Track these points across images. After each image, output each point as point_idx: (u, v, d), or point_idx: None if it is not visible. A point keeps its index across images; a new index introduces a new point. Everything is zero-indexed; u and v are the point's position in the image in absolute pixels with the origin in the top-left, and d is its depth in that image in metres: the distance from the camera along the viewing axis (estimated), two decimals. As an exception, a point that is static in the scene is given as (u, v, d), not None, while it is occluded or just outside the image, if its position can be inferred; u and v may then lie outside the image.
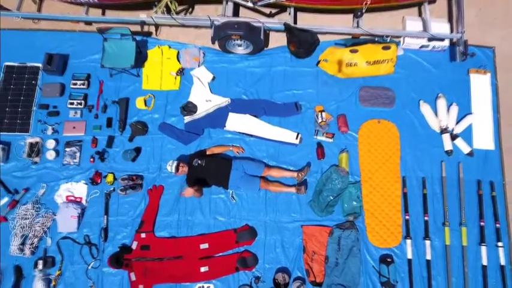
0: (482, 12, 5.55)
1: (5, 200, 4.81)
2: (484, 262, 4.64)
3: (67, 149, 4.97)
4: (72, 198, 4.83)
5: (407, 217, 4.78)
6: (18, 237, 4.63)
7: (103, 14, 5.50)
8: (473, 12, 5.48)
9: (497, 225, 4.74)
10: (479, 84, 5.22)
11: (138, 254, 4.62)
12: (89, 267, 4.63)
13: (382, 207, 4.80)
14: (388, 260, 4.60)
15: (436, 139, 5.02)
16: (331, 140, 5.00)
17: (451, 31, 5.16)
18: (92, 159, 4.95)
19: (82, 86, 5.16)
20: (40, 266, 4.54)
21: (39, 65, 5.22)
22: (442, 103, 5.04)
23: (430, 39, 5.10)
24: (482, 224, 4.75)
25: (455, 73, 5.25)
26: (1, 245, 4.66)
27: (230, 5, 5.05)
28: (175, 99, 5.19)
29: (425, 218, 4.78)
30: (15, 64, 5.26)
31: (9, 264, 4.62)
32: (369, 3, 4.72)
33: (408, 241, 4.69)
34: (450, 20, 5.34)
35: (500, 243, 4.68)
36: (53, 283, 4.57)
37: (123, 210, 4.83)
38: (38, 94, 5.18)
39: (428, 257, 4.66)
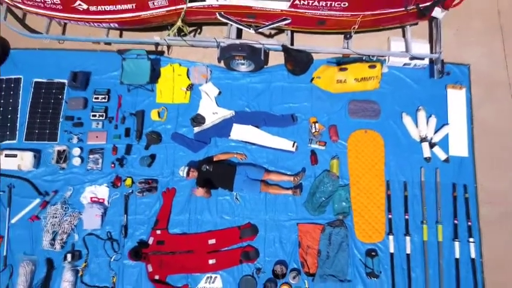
0: (460, 32, 5.87)
1: (37, 201, 5.13)
2: (457, 256, 4.96)
3: (91, 156, 5.28)
4: (96, 199, 5.15)
5: (390, 216, 5.08)
6: (49, 233, 4.96)
7: (121, 35, 5.80)
8: (451, 32, 5.80)
9: (469, 223, 5.06)
10: (456, 98, 5.50)
11: (154, 248, 4.93)
12: (111, 260, 4.95)
13: (368, 208, 5.11)
14: (373, 253, 4.93)
15: (416, 147, 5.31)
16: (323, 148, 5.31)
17: (431, 51, 5.45)
18: (112, 165, 5.27)
19: (103, 100, 5.47)
20: (69, 259, 4.86)
21: (65, 81, 5.52)
22: (422, 115, 5.33)
23: (411, 58, 5.42)
24: (456, 222, 5.06)
25: (434, 88, 5.52)
26: (34, 240, 5.03)
27: (234, 27, 5.27)
28: (186, 111, 5.48)
29: (406, 217, 5.09)
30: (44, 80, 5.56)
31: (42, 257, 4.96)
32: (356, 27, 4.98)
33: (391, 237, 5.00)
34: (431, 41, 5.58)
35: (471, 239, 5.00)
36: (80, 273, 4.90)
37: (141, 210, 5.14)
38: (64, 107, 5.49)
39: (408, 251, 4.97)
